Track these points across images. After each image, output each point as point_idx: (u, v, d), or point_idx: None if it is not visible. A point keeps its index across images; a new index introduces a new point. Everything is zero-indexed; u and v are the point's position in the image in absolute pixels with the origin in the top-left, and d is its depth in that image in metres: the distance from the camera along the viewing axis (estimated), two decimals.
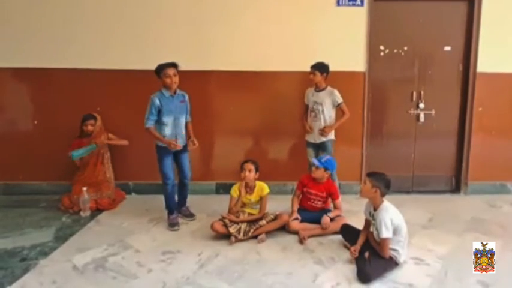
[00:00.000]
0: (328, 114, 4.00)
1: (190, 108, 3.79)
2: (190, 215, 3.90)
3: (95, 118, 4.20)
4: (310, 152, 4.12)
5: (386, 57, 4.48)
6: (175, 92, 3.60)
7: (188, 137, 3.75)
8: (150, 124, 3.52)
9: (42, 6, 4.30)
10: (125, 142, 4.28)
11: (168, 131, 3.58)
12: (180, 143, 3.62)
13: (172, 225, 3.63)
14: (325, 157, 3.66)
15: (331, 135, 4.06)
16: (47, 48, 4.34)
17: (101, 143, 4.15)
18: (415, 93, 4.53)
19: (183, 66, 4.35)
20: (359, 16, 4.32)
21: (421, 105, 4.53)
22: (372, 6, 4.31)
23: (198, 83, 4.43)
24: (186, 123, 3.76)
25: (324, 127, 3.99)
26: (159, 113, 3.51)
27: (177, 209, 3.86)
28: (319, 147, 4.08)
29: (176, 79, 3.52)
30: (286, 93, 4.47)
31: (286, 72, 4.39)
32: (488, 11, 4.31)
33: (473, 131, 4.52)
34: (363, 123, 4.50)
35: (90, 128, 4.15)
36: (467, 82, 4.50)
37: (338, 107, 4.00)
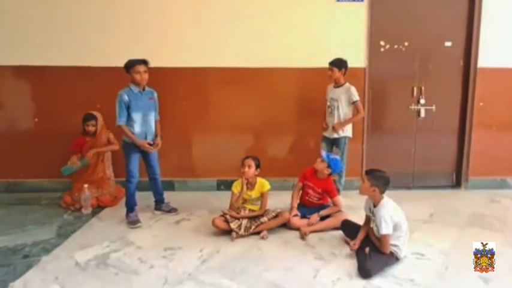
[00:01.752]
0: (343, 111, 3.97)
1: (158, 106, 3.77)
2: (172, 210, 3.91)
3: (95, 118, 4.16)
4: (323, 146, 4.12)
5: (387, 52, 4.47)
6: (143, 89, 3.58)
7: (155, 135, 3.72)
8: (122, 121, 3.49)
9: (42, 4, 4.30)
10: (114, 147, 4.21)
11: (137, 128, 3.55)
12: (149, 139, 3.65)
13: (134, 222, 3.60)
14: (335, 156, 3.64)
15: (347, 133, 4.02)
16: (47, 46, 4.35)
17: (92, 157, 4.07)
18: (415, 89, 4.53)
19: (184, 63, 4.39)
20: (359, 11, 4.31)
21: (422, 101, 4.53)
22: (372, 2, 4.31)
23: (198, 79, 4.44)
24: (155, 121, 3.74)
25: (336, 123, 3.97)
26: (128, 109, 3.48)
27: (158, 206, 3.91)
28: (333, 143, 4.07)
29: (146, 76, 3.51)
30: (286, 90, 4.47)
31: (287, 69, 4.39)
32: (489, 6, 4.30)
33: (473, 126, 4.52)
34: (363, 118, 4.49)
35: (91, 128, 4.13)
36: (467, 77, 4.50)
37: (353, 105, 3.96)
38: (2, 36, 4.35)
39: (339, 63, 3.90)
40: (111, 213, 3.96)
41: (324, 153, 3.63)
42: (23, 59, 4.37)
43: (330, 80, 4.03)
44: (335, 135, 4.02)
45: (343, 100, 3.95)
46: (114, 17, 4.32)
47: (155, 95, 3.72)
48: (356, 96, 3.92)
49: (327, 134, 4.11)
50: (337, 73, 3.90)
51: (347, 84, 3.97)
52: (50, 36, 4.33)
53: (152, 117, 3.68)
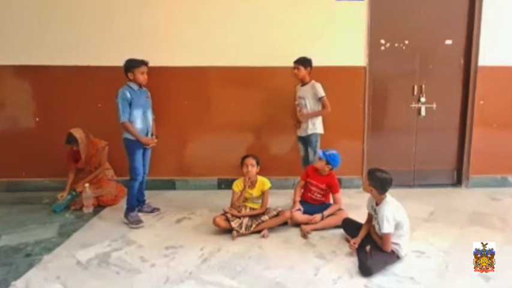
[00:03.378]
0: (311, 108, 3.93)
1: (152, 105, 3.79)
2: (155, 210, 3.91)
3: (76, 141, 3.98)
4: (300, 146, 4.14)
5: (387, 51, 4.47)
6: (140, 87, 3.63)
7: (152, 133, 3.76)
8: (126, 118, 3.51)
9: (43, 4, 4.31)
10: (101, 171, 4.18)
11: (139, 124, 3.59)
12: (149, 136, 3.70)
13: (136, 222, 3.58)
14: (332, 151, 3.62)
15: (317, 130, 3.96)
16: (48, 46, 4.36)
17: (81, 188, 4.01)
18: (416, 87, 4.53)
19: (185, 63, 4.39)
20: (359, 10, 4.31)
21: (422, 99, 4.53)
22: (372, 0, 4.30)
23: (199, 79, 4.45)
24: (153, 119, 3.77)
25: (300, 113, 3.94)
26: (130, 106, 3.52)
27: (139, 207, 3.84)
28: (306, 141, 4.05)
29: (146, 77, 3.59)
30: (286, 89, 4.46)
31: (287, 68, 4.37)
32: (490, 4, 4.30)
33: (474, 124, 4.52)
34: (364, 117, 4.50)
35: (75, 149, 4.05)
36: (468, 76, 4.50)
37: (319, 101, 3.90)
38: (3, 35, 4.36)
39: (304, 62, 3.91)
40: (112, 212, 3.96)
41: (320, 151, 3.62)
42: (24, 59, 4.38)
43: (297, 80, 3.99)
44: (308, 132, 3.96)
45: (310, 97, 3.92)
46: (114, 16, 4.33)
47: (149, 94, 3.76)
48: (321, 92, 3.87)
49: (299, 133, 4.09)
50: (302, 71, 3.91)
51: (312, 81, 3.95)
52: (51, 36, 4.34)
53: (150, 115, 3.73)
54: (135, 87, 3.58)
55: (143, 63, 3.56)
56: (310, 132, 3.96)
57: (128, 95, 3.50)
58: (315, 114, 3.95)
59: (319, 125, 4.00)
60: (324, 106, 3.91)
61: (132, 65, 3.53)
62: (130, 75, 3.54)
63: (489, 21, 4.32)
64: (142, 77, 3.56)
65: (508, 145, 4.57)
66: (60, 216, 3.84)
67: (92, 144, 4.13)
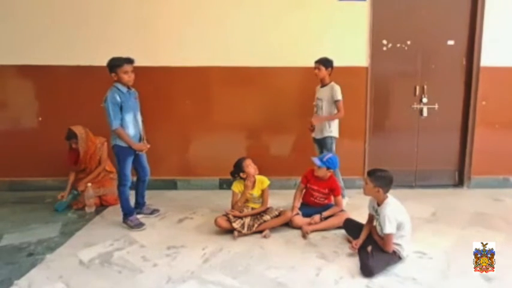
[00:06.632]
0: (327, 110, 3.89)
1: (141, 107, 3.62)
2: (154, 211, 3.87)
3: (75, 136, 4.00)
4: (316, 148, 4.08)
5: (389, 51, 4.47)
6: (128, 88, 3.44)
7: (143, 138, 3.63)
8: (118, 124, 3.32)
9: (45, 4, 4.32)
10: (101, 168, 4.17)
11: (131, 130, 3.43)
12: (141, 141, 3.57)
13: (139, 225, 3.53)
14: (327, 155, 3.59)
15: (331, 133, 3.91)
16: (50, 45, 4.38)
17: (83, 187, 4.02)
18: (418, 88, 4.53)
19: (186, 62, 4.39)
20: (361, 10, 4.31)
21: (424, 100, 4.53)
22: (374, 0, 4.30)
23: (200, 79, 4.45)
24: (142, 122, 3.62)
25: (313, 118, 3.91)
26: (120, 110, 3.33)
27: (139, 210, 3.79)
28: (321, 143, 4.01)
29: (133, 76, 3.37)
30: (288, 89, 4.48)
31: (288, 68, 4.40)
32: (492, 4, 4.29)
33: (476, 125, 4.52)
34: (366, 117, 4.50)
35: (74, 146, 4.05)
36: (470, 76, 4.49)
37: (335, 104, 3.85)
38: (5, 35, 4.38)
39: (325, 62, 3.86)
40: (114, 211, 3.95)
41: (316, 160, 3.56)
42: (26, 59, 4.39)
43: (317, 80, 3.94)
44: (324, 134, 3.92)
45: (326, 99, 3.88)
46: (115, 16, 4.34)
47: (137, 94, 3.57)
48: (338, 96, 3.81)
49: (313, 134, 4.04)
50: (323, 71, 3.86)
51: (332, 83, 3.90)
52: (53, 36, 4.35)
53: (139, 118, 3.56)
54: (124, 89, 3.36)
55: (126, 61, 3.31)
56: (326, 134, 3.90)
57: (118, 98, 3.29)
58: (327, 118, 3.88)
59: (334, 128, 3.92)
60: (338, 109, 3.85)
61: (114, 64, 3.29)
62: (114, 75, 3.32)
63: (491, 21, 4.31)
64: (127, 77, 3.32)
65: (510, 146, 4.57)
66: (63, 216, 3.86)
67: (91, 142, 4.12)
